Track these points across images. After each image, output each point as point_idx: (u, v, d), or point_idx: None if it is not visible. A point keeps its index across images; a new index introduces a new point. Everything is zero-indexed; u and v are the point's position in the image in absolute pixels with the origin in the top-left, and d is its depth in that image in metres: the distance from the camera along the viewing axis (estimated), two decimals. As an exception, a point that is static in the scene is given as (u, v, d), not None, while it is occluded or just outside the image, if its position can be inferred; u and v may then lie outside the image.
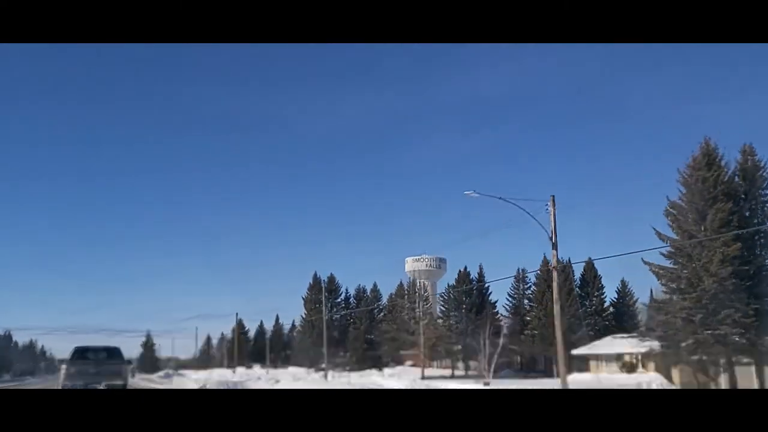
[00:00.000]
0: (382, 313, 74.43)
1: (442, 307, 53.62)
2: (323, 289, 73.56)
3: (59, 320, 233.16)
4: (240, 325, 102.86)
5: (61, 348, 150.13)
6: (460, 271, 55.87)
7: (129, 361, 23.93)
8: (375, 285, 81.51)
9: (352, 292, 77.33)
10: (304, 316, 72.76)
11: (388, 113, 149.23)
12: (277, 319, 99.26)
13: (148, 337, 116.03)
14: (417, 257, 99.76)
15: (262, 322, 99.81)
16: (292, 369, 76.97)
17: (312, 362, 73.35)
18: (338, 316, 73.90)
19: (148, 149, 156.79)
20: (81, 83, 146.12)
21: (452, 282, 57.75)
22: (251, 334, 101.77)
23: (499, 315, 54.82)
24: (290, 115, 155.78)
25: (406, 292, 78.42)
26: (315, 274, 72.62)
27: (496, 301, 57.12)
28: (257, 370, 78.19)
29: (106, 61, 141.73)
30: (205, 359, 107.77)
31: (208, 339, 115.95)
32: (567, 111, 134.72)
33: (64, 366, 20.77)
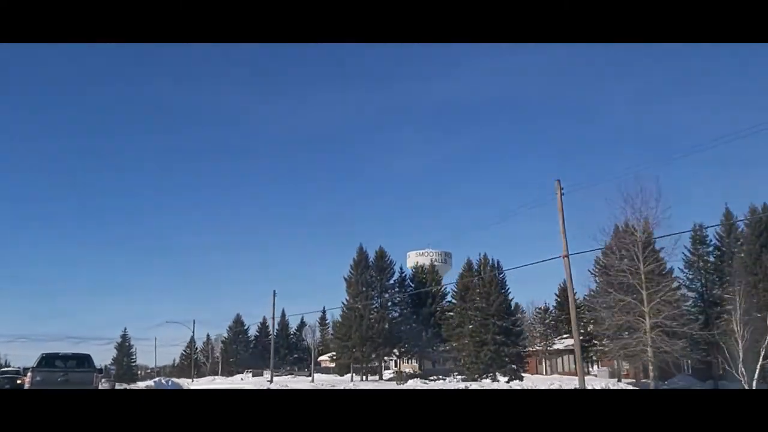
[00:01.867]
0: (446, 299, 56.40)
1: (596, 279, 34.97)
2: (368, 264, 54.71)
3: (20, 328, 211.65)
4: (239, 322, 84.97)
5: (21, 356, 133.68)
6: (617, 225, 36.45)
7: (100, 370, 21.73)
8: (431, 263, 63.08)
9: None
10: (346, 302, 53.64)
11: (381, 112, 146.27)
12: (284, 314, 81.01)
13: (125, 338, 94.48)
14: (420, 251, 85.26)
15: (265, 318, 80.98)
16: (319, 376, 58.17)
17: (350, 365, 54.45)
18: (395, 300, 54.98)
19: (132, 149, 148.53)
20: (80, 83, 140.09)
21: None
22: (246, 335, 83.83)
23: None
24: (288, 113, 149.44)
25: (477, 271, 60.11)
26: (361, 248, 53.73)
27: (671, 269, 38.79)
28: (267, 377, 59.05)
29: (105, 61, 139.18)
30: (188, 365, 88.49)
31: (192, 342, 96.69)
32: (558, 110, 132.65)
33: (29, 374, 19.31)
